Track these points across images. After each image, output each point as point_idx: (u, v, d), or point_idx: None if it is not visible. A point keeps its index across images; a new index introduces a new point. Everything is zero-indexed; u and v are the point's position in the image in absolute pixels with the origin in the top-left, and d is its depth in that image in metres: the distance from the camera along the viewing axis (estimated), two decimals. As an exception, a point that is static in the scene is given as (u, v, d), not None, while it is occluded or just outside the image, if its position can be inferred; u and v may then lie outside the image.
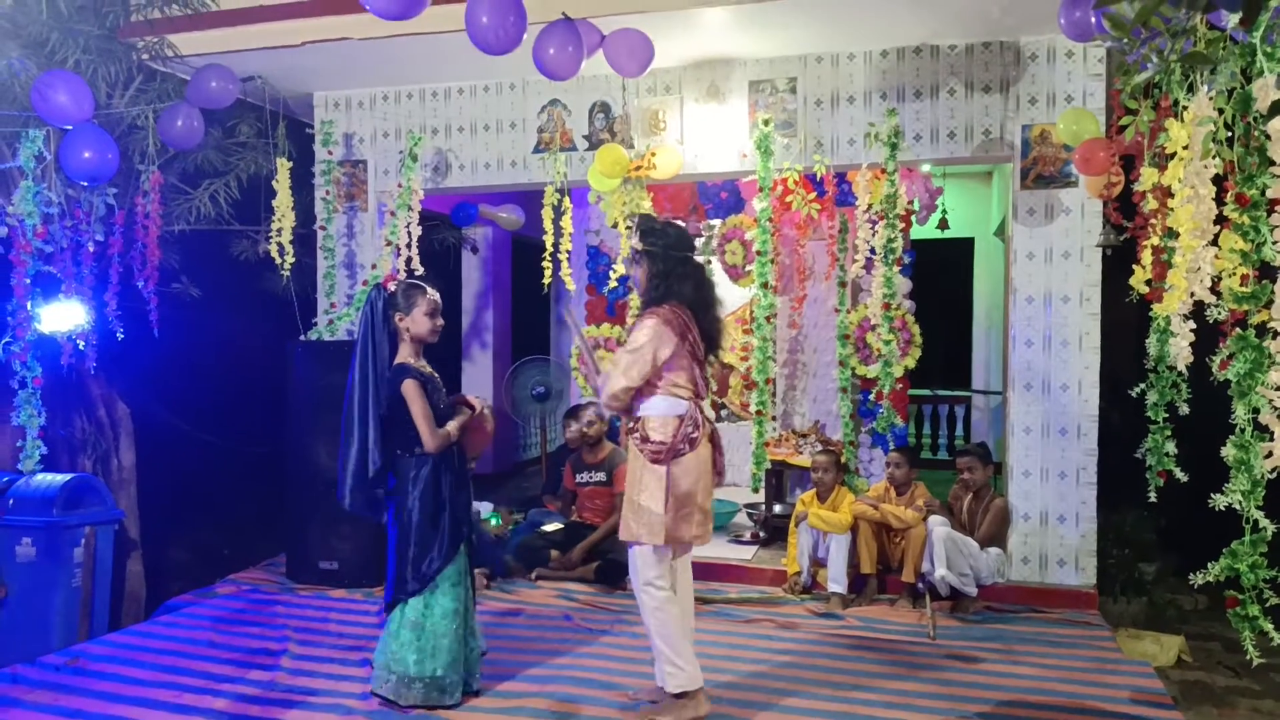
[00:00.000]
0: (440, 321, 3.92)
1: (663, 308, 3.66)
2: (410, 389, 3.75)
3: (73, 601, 5.15)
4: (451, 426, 3.84)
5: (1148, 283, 4.01)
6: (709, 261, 6.93)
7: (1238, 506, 2.55)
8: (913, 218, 7.04)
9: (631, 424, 3.73)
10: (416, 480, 3.82)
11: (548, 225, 6.02)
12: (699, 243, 7.20)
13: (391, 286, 3.93)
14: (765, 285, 5.64)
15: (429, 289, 3.90)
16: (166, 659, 4.50)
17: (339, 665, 4.40)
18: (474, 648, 3.99)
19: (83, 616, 5.19)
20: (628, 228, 3.81)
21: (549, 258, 6.05)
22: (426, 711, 3.80)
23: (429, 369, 3.92)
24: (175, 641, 4.77)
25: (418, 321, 3.85)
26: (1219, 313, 2.78)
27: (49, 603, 5.06)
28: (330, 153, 6.48)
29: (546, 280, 6.04)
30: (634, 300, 6.29)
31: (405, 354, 3.86)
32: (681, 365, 3.66)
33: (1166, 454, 4.18)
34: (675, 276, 3.70)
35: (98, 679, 4.26)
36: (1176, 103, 3.05)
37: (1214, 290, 2.81)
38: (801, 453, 6.60)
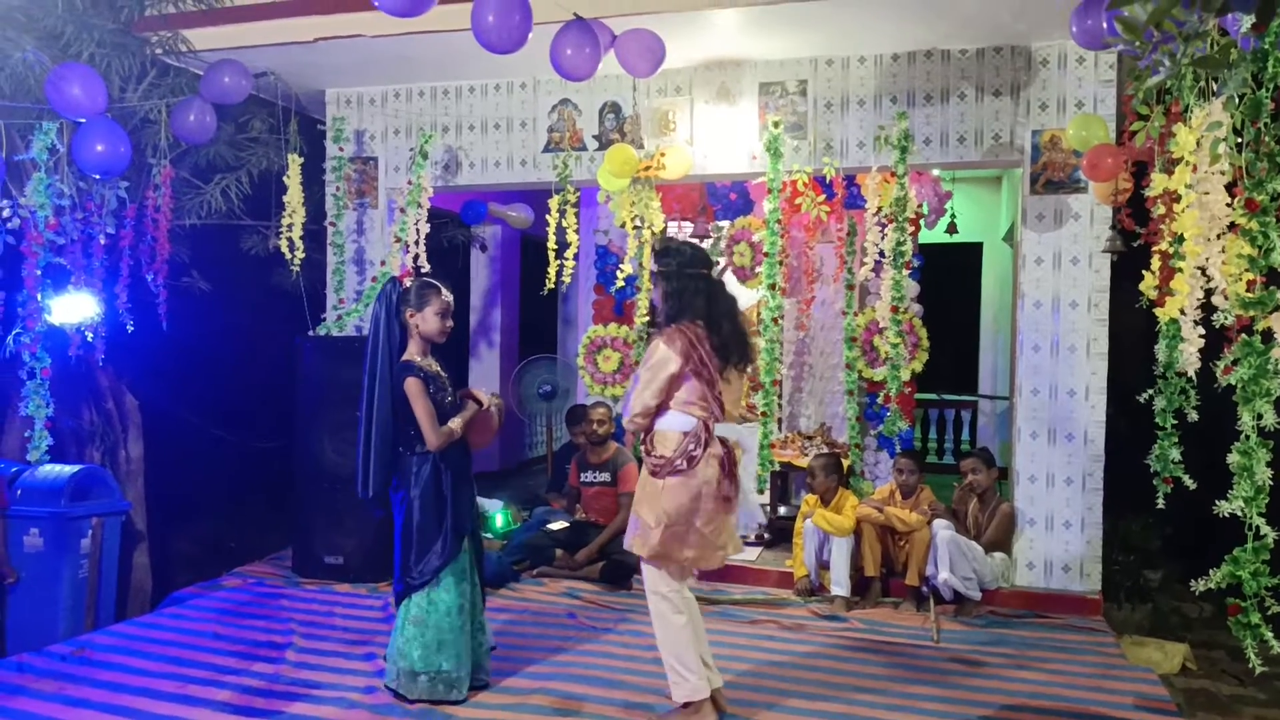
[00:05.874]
0: (450, 323, 3.93)
1: (670, 328, 3.67)
2: (412, 387, 3.76)
3: (79, 592, 5.18)
4: (454, 424, 3.84)
5: (1157, 289, 4.00)
6: (717, 263, 6.93)
7: (1240, 513, 2.54)
8: (921, 222, 7.03)
9: (644, 436, 3.74)
10: (418, 478, 3.84)
11: (568, 224, 6.02)
12: (706, 244, 7.19)
13: (407, 282, 3.95)
14: (773, 287, 5.64)
15: (444, 289, 3.90)
16: (172, 650, 4.53)
17: (343, 659, 4.42)
18: (481, 643, 4.01)
19: (89, 607, 5.22)
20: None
21: (573, 257, 6.07)
22: (432, 706, 3.81)
23: (435, 367, 3.93)
24: (181, 633, 4.79)
25: (428, 320, 3.86)
26: (1225, 318, 2.77)
27: (56, 592, 5.09)
28: (341, 149, 6.51)
29: (566, 277, 6.04)
30: (642, 301, 6.31)
31: (413, 351, 3.88)
32: (687, 384, 3.64)
33: (1174, 460, 4.16)
34: (689, 293, 3.71)
35: (103, 669, 4.29)
36: (1187, 108, 3.04)
37: (1218, 295, 2.80)
38: (807, 455, 6.59)
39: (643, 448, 3.73)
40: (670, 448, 3.63)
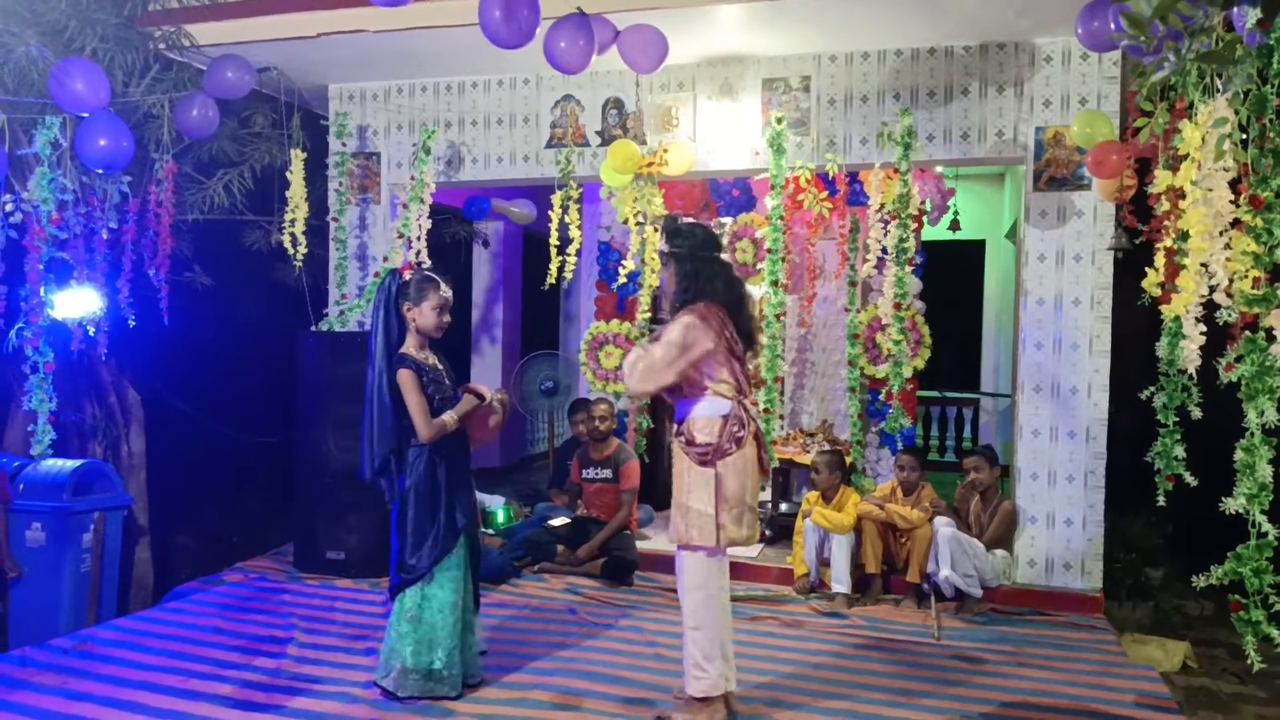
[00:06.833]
0: (447, 319, 3.92)
1: (696, 306, 3.64)
2: (405, 379, 3.75)
3: (81, 586, 5.18)
4: (447, 416, 3.80)
5: (1160, 286, 3.99)
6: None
7: (1242, 511, 2.54)
8: (924, 218, 7.02)
9: (676, 427, 3.72)
10: (413, 470, 3.83)
11: (570, 219, 6.03)
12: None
13: (408, 275, 3.94)
14: (775, 283, 5.64)
15: (443, 284, 3.89)
16: (173, 644, 4.53)
17: (344, 654, 4.43)
18: (471, 644, 3.99)
19: (91, 601, 5.23)
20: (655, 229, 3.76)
21: (575, 253, 6.06)
22: (428, 702, 3.81)
23: (433, 360, 3.92)
24: (182, 627, 4.79)
25: (424, 314, 3.85)
26: (1229, 315, 2.76)
27: (58, 587, 5.10)
28: (344, 145, 6.51)
29: (568, 273, 6.05)
30: (644, 297, 6.30)
31: (410, 344, 3.87)
32: (721, 362, 3.63)
33: (1175, 458, 4.16)
34: (704, 276, 3.69)
35: (105, 663, 4.29)
36: (1192, 104, 3.04)
37: (1221, 292, 2.79)
38: (809, 452, 6.59)
39: (679, 440, 3.68)
40: (714, 434, 3.60)
